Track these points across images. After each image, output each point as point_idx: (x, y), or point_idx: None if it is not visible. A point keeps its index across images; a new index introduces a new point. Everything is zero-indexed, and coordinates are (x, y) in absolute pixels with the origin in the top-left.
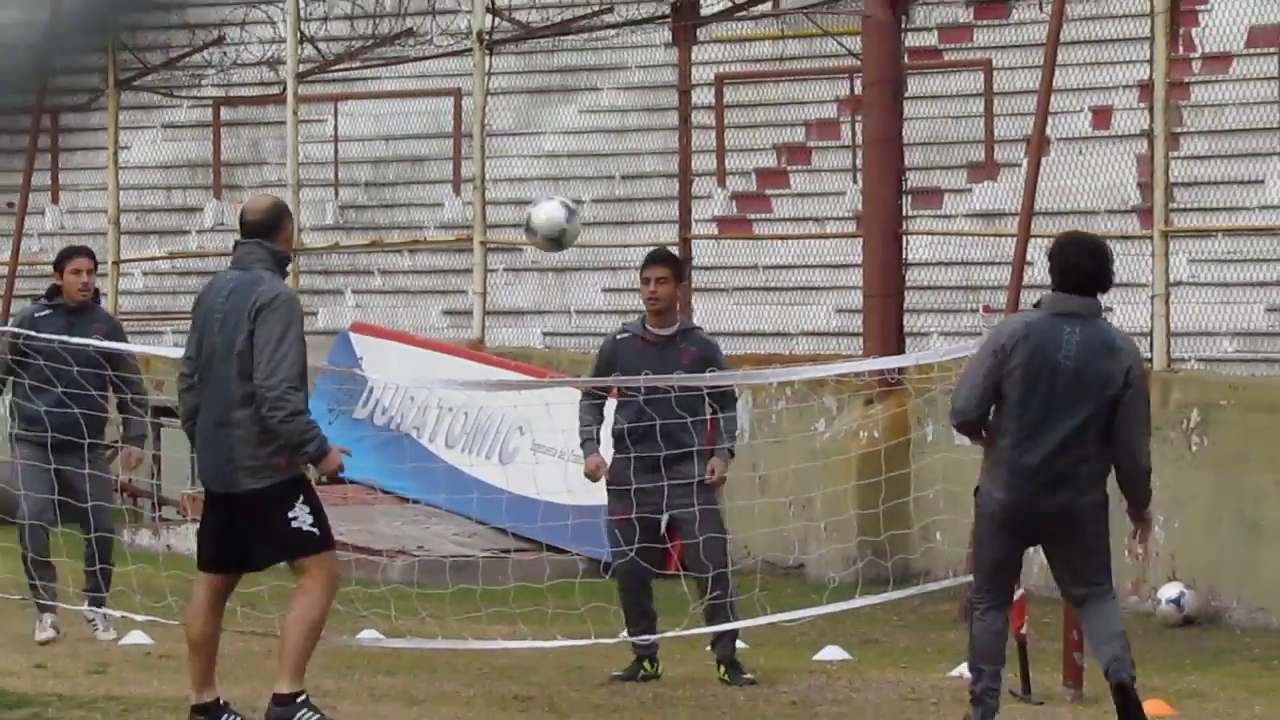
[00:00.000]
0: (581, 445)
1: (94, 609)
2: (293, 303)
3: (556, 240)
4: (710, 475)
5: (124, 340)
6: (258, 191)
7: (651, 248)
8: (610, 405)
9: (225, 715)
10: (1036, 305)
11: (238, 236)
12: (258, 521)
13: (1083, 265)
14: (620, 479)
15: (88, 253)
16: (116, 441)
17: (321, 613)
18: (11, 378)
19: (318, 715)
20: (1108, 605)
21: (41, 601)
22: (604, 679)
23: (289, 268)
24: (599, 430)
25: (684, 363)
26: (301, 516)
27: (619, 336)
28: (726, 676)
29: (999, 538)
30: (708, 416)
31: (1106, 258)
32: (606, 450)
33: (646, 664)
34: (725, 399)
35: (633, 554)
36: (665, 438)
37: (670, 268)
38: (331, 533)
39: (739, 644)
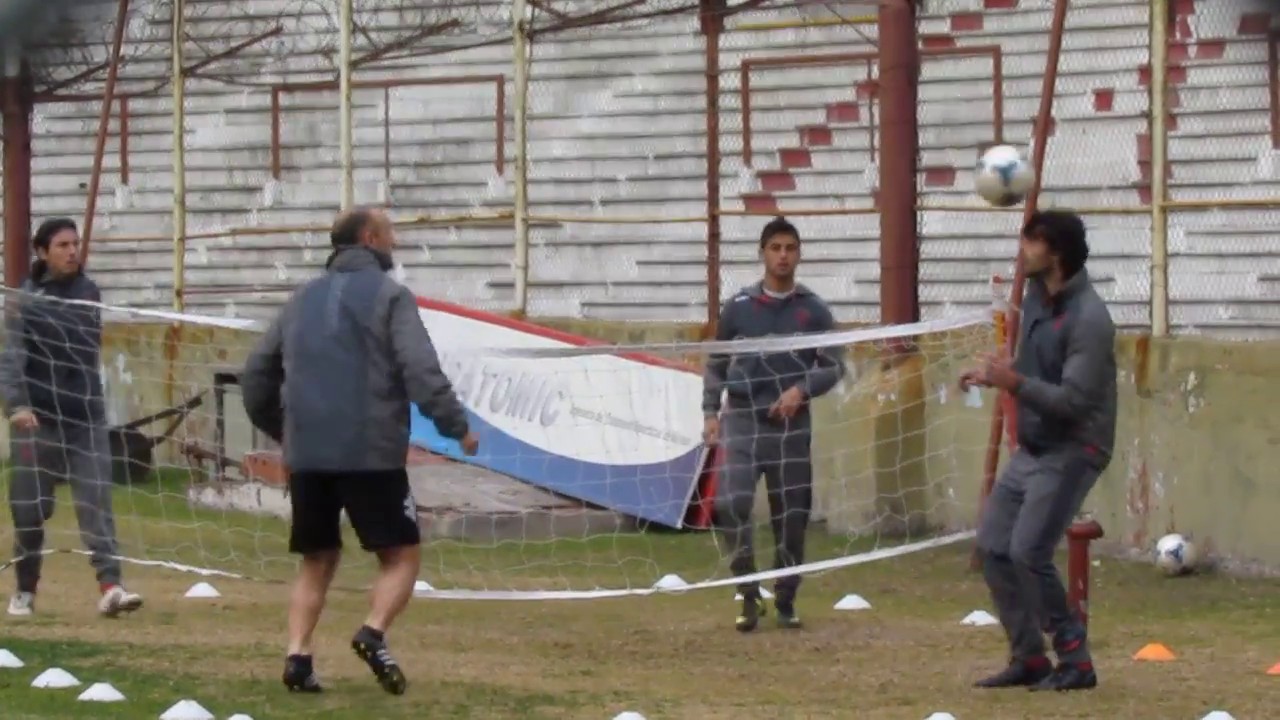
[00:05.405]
0: (703, 407)
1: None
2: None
3: (1004, 172)
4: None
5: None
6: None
7: (678, 223)
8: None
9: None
10: None
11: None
12: (373, 504)
13: None
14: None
15: (71, 224)
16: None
17: (409, 593)
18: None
19: (394, 661)
20: None
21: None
22: (639, 627)
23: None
24: (722, 393)
25: (799, 323)
26: (411, 507)
27: (737, 300)
28: (777, 616)
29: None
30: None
31: None
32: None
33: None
34: (833, 353)
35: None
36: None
37: (795, 235)
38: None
39: (765, 594)
